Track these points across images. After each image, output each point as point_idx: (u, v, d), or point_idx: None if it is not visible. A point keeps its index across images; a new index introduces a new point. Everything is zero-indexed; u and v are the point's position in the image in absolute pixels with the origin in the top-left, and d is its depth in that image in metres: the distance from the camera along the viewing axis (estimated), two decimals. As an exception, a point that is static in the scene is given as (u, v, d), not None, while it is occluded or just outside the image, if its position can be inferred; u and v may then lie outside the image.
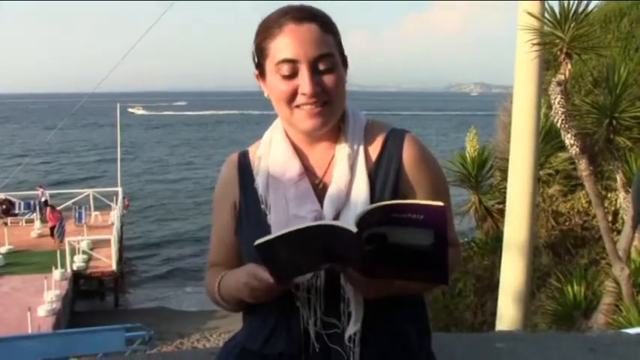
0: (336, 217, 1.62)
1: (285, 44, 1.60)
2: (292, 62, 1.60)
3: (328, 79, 1.62)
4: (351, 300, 1.60)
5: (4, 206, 26.57)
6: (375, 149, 1.72)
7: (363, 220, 1.41)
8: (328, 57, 1.62)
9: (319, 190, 1.68)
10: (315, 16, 1.64)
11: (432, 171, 1.73)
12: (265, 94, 1.73)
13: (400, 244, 1.44)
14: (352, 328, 1.59)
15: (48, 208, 24.62)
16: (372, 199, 1.62)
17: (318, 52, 1.61)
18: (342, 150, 1.69)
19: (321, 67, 1.61)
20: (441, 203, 1.40)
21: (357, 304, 1.59)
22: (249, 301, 1.63)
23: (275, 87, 1.64)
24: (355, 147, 1.70)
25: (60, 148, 63.84)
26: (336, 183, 1.66)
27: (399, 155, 1.70)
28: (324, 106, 1.63)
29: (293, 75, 1.61)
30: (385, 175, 1.68)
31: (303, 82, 1.60)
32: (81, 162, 57.14)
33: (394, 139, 1.72)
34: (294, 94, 1.62)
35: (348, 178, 1.66)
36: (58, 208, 27.62)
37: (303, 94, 1.60)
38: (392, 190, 1.66)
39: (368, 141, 1.72)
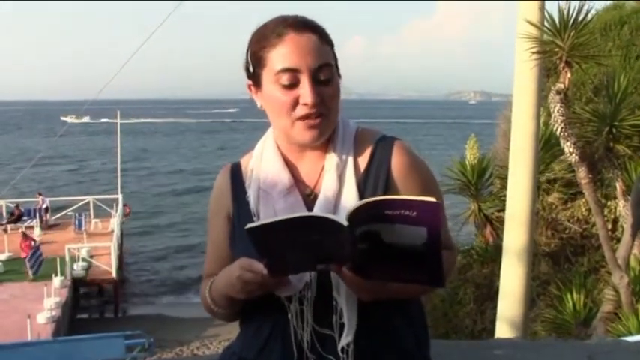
0: None
1: (286, 53, 1.59)
2: (293, 72, 1.59)
3: (328, 91, 1.62)
4: (344, 311, 1.59)
5: (15, 214, 26.63)
6: (364, 158, 1.71)
7: (355, 215, 1.40)
8: (328, 67, 1.62)
9: (310, 200, 1.67)
10: (314, 26, 1.64)
11: (423, 178, 1.72)
12: (259, 105, 1.71)
13: (394, 244, 1.43)
14: (345, 340, 1.58)
15: (20, 237, 22.00)
16: None
17: (319, 62, 1.60)
18: (331, 160, 1.68)
19: (322, 77, 1.61)
20: (434, 199, 1.39)
21: (350, 314, 1.59)
22: (241, 296, 1.61)
23: (274, 97, 1.63)
24: (344, 156, 1.69)
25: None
26: (324, 193, 1.65)
27: (387, 163, 1.69)
28: (322, 117, 1.62)
29: (293, 85, 1.60)
30: (374, 184, 1.67)
31: (305, 91, 1.59)
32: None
33: (383, 147, 1.72)
34: (294, 105, 1.61)
35: (337, 188, 1.65)
36: (58, 215, 27.70)
37: (305, 104, 1.59)
38: None
39: (357, 150, 1.72)
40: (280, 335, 1.64)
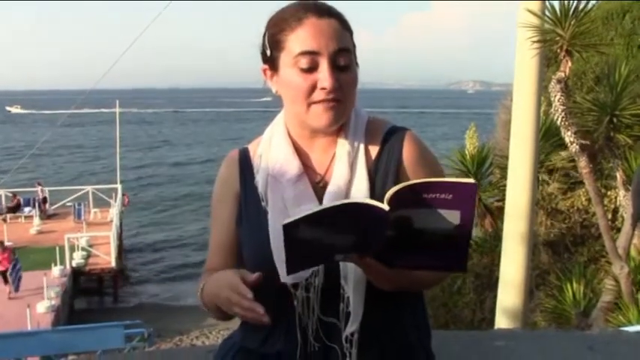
0: None
1: (306, 36, 1.57)
2: (313, 54, 1.57)
3: (346, 77, 1.60)
4: (350, 299, 1.57)
5: (14, 203, 26.63)
6: (374, 147, 1.70)
7: (392, 200, 1.35)
8: (347, 52, 1.61)
9: (320, 188, 1.66)
10: (334, 12, 1.63)
11: (432, 169, 1.70)
12: (274, 90, 1.69)
13: (424, 230, 1.39)
14: (350, 328, 1.58)
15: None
16: (372, 198, 1.57)
17: (339, 46, 1.58)
18: (343, 148, 1.67)
19: (341, 62, 1.59)
20: (473, 181, 1.36)
21: (356, 303, 1.57)
22: (226, 310, 1.57)
23: (292, 81, 1.61)
24: (356, 145, 1.68)
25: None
26: (335, 182, 1.64)
27: (398, 153, 1.68)
28: (338, 103, 1.60)
29: (311, 69, 1.58)
30: (385, 173, 1.66)
31: (323, 76, 1.57)
32: None
33: (394, 137, 1.70)
34: (311, 90, 1.59)
35: (348, 176, 1.64)
36: (58, 205, 27.68)
37: (323, 89, 1.57)
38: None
39: (368, 138, 1.70)
40: (284, 324, 1.62)
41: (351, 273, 1.57)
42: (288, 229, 1.35)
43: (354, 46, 1.65)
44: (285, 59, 1.61)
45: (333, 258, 1.49)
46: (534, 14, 6.42)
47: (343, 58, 1.59)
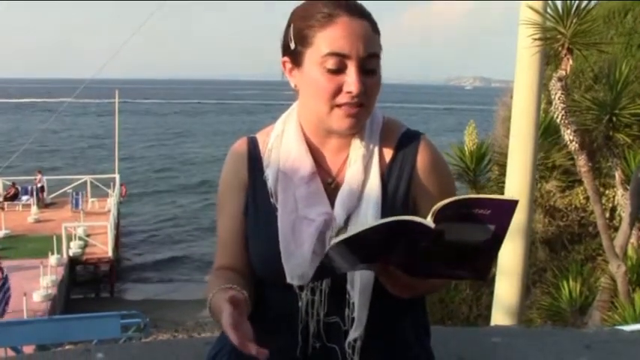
0: (347, 220, 1.56)
1: (338, 37, 1.51)
2: (342, 57, 1.51)
3: (371, 81, 1.55)
4: (355, 305, 1.56)
5: (12, 192, 26.59)
6: (388, 150, 1.65)
7: (439, 215, 1.30)
8: (376, 57, 1.56)
9: (331, 189, 1.62)
10: (366, 13, 1.57)
11: (444, 176, 1.68)
12: (292, 84, 1.63)
13: (455, 242, 1.35)
14: (354, 334, 1.56)
15: None
16: (384, 202, 1.57)
17: (369, 51, 1.53)
18: (358, 149, 1.62)
19: (369, 66, 1.54)
20: (517, 198, 1.32)
21: (361, 309, 1.56)
22: None
23: (316, 80, 1.54)
24: (371, 147, 1.63)
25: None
26: (348, 184, 1.60)
27: (413, 159, 1.64)
28: (361, 108, 1.56)
29: (339, 70, 1.52)
30: (398, 178, 1.63)
31: (351, 80, 1.51)
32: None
33: (409, 141, 1.66)
34: (336, 92, 1.53)
35: (362, 179, 1.60)
36: (56, 194, 27.64)
37: (349, 93, 1.52)
38: (404, 193, 1.61)
39: (383, 141, 1.66)
40: (286, 322, 1.61)
41: (357, 279, 1.55)
42: (334, 246, 1.31)
43: (381, 49, 1.59)
44: (311, 56, 1.55)
45: (357, 267, 1.46)
46: (536, 12, 6.43)
47: (371, 63, 1.54)
